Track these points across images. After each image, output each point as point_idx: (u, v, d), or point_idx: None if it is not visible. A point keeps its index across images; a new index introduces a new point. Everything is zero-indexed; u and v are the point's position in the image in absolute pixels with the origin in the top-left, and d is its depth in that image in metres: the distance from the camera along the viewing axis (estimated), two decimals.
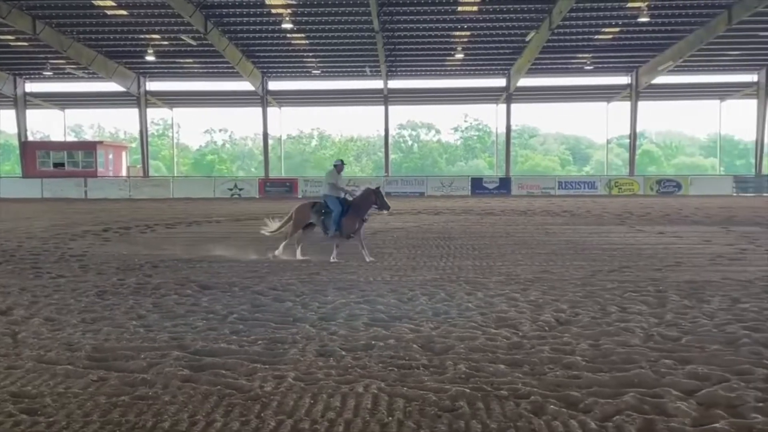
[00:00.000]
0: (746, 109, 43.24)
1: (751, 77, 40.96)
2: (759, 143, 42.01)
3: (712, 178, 45.83)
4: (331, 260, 11.45)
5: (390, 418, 4.29)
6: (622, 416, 4.26)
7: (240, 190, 38.31)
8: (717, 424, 4.11)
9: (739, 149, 68.29)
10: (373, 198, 12.08)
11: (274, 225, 12.66)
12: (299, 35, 33.34)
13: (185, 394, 4.79)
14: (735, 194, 38.37)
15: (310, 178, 43.49)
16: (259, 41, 34.88)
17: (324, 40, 34.06)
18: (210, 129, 79.00)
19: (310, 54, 37.21)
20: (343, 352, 5.76)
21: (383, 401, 4.57)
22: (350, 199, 12.22)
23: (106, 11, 30.23)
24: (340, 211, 11.84)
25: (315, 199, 13.52)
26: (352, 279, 9.56)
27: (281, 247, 11.99)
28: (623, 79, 41.43)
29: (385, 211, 12.84)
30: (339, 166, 12.67)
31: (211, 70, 39.90)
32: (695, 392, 4.71)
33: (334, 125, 78.70)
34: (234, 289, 8.74)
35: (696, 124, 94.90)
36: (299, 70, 40.96)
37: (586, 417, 4.26)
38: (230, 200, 35.11)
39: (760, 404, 4.42)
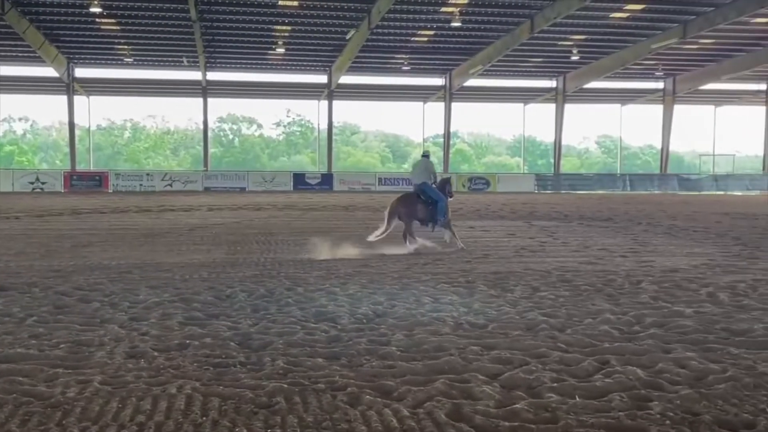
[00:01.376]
0: (546, 112, 46.81)
1: (551, 83, 44.52)
2: (557, 144, 45.84)
3: (516, 176, 49.23)
4: (412, 249, 12.07)
5: (204, 418, 4.17)
6: (432, 402, 4.44)
7: (43, 183, 35.59)
8: (518, 405, 4.40)
9: (541, 150, 73.86)
10: (448, 187, 12.98)
11: (380, 230, 12.65)
12: (110, 20, 31.43)
13: None
14: (536, 191, 41.47)
15: (123, 171, 41.34)
16: (65, 25, 32.43)
17: (138, 27, 32.34)
18: (8, 117, 72.21)
19: (122, 41, 35.24)
20: (156, 353, 5.52)
21: (197, 401, 4.43)
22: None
23: None
24: (444, 199, 12.52)
25: (399, 193, 13.90)
26: (167, 277, 9.18)
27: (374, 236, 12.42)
28: (438, 81, 43.37)
29: (450, 199, 13.32)
30: (429, 156, 13.65)
31: (9, 54, 36.54)
32: (499, 376, 5.01)
33: (149, 117, 74.87)
34: (34, 290, 8.07)
35: (503, 125, 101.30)
36: (110, 57, 38.69)
37: (399, 405, 4.40)
38: (31, 195, 32.45)
39: (555, 384, 4.79)
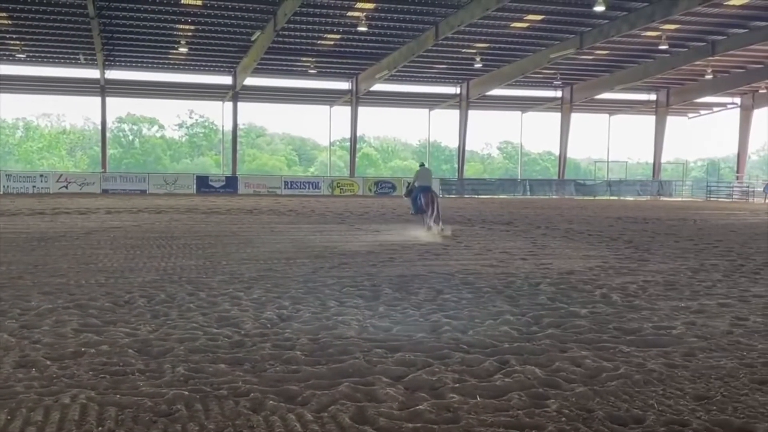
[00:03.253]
0: (451, 118, 47.83)
1: (455, 89, 45.47)
2: (461, 150, 46.83)
3: None
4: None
5: (100, 429, 4.01)
6: (336, 405, 4.44)
7: None
8: (421, 406, 4.46)
9: (446, 155, 75.33)
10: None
11: (429, 217, 16.61)
12: (1, 14, 29.82)
13: None
14: (441, 195, 42.16)
15: (14, 172, 39.28)
16: None
17: (31, 22, 30.83)
18: None
19: (14, 36, 33.49)
20: (48, 362, 5.26)
21: (93, 411, 4.26)
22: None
23: None
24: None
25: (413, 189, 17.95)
26: (61, 282, 8.78)
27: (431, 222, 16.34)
28: (344, 85, 43.47)
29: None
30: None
31: None
32: (402, 378, 5.06)
33: (44, 115, 71.50)
34: None
35: (409, 130, 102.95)
36: (1, 52, 36.67)
37: (303, 409, 4.38)
38: None
39: (457, 385, 4.89)
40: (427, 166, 19.17)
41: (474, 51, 36.59)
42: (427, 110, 48.43)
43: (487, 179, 53.30)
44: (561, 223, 20.34)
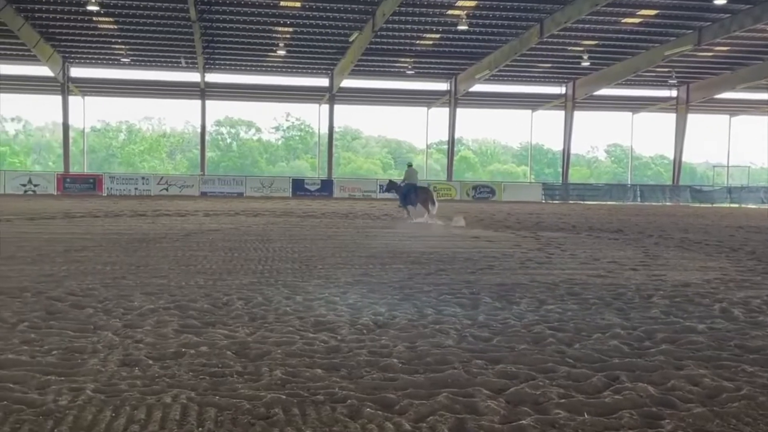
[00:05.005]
0: (555, 119, 46.95)
1: (560, 89, 44.63)
2: (565, 153, 45.88)
3: (523, 185, 49.33)
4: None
5: (200, 429, 4.17)
6: (435, 416, 4.44)
7: (35, 186, 35.67)
8: (524, 421, 4.40)
9: (548, 158, 73.94)
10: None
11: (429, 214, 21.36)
12: (107, 19, 31.59)
13: None
14: (543, 201, 41.51)
15: (117, 174, 41.38)
16: (61, 23, 32.61)
17: (135, 26, 32.51)
18: (0, 117, 72.56)
19: (119, 41, 35.41)
20: (150, 361, 5.52)
21: (193, 411, 4.43)
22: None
23: None
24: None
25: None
26: (162, 283, 9.19)
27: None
28: (443, 86, 43.47)
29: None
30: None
31: (3, 52, 36.68)
32: (504, 390, 5.00)
33: (145, 119, 75.10)
34: (25, 295, 8.09)
35: (510, 132, 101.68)
36: (106, 57, 38.85)
37: (401, 419, 4.40)
38: (23, 197, 32.50)
39: (563, 400, 4.79)
40: (414, 167, 23.92)
41: (581, 49, 35.82)
42: (529, 111, 47.73)
43: (594, 184, 51.95)
44: (675, 231, 19.58)
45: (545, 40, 32.25)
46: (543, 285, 9.66)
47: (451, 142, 44.77)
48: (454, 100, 42.95)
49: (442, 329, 6.83)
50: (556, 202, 41.32)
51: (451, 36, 33.96)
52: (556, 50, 36.13)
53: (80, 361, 5.50)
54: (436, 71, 41.47)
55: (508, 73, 40.94)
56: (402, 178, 23.65)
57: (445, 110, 44.26)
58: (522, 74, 42.05)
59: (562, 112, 44.86)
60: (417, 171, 23.81)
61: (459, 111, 44.17)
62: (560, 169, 48.88)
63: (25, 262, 10.94)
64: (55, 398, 4.63)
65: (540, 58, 38.02)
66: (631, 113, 48.75)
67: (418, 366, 5.58)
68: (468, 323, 7.16)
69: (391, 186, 24.65)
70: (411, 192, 22.35)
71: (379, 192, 39.83)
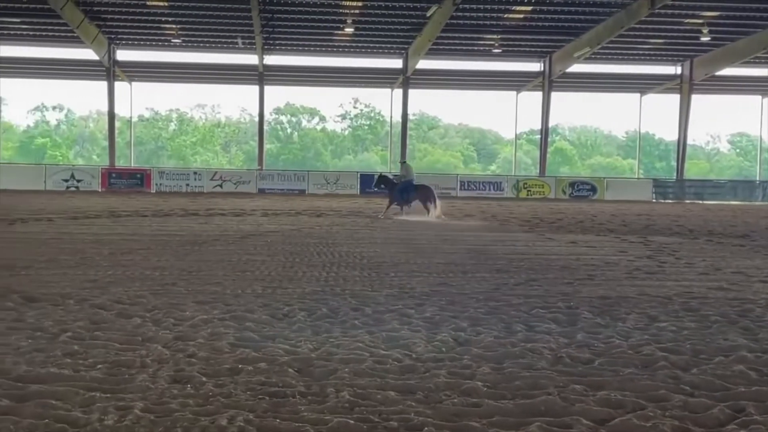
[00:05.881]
0: (668, 104, 45.86)
1: (674, 69, 43.53)
2: (681, 144, 44.67)
3: (630, 181, 48.40)
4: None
5: None
6: None
7: (78, 181, 37.02)
8: None
9: (660, 150, 72.39)
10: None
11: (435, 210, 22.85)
12: None
13: (3, 429, 4.56)
14: (654, 200, 40.62)
15: (167, 169, 42.52)
16: (107, 0, 33.72)
17: (187, 3, 33.31)
18: (41, 105, 75.70)
19: (170, 20, 36.36)
20: (204, 378, 5.66)
21: None
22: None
23: None
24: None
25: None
26: (216, 291, 9.41)
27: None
28: (535, 66, 43.00)
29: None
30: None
31: (44, 33, 38.22)
32: (607, 421, 4.92)
33: (198, 107, 76.99)
34: (68, 302, 8.40)
35: (614, 120, 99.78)
36: (156, 38, 39.94)
37: None
38: (66, 194, 33.80)
39: None
40: (408, 163, 26.89)
41: (700, 22, 34.84)
42: (637, 95, 46.74)
43: (715, 180, 50.61)
44: None
45: (657, 11, 31.52)
46: (654, 299, 9.47)
47: (545, 131, 44.25)
48: (548, 82, 42.42)
49: (534, 348, 6.77)
50: (670, 201, 40.36)
51: (545, 8, 33.58)
52: (669, 23, 35.26)
53: (127, 377, 5.68)
54: (527, 49, 41.04)
55: (613, 51, 40.19)
56: (400, 174, 25.15)
57: (538, 94, 43.76)
58: (629, 52, 41.20)
59: (677, 96, 43.70)
60: (412, 167, 25.77)
61: (554, 95, 43.58)
62: (674, 163, 47.72)
63: (68, 266, 11.36)
64: (100, 417, 4.79)
65: (650, 33, 37.16)
66: (760, 97, 47.17)
67: (506, 390, 5.54)
68: (564, 342, 7.08)
69: (383, 181, 25.34)
70: (410, 190, 23.74)
71: (460, 190, 39.73)
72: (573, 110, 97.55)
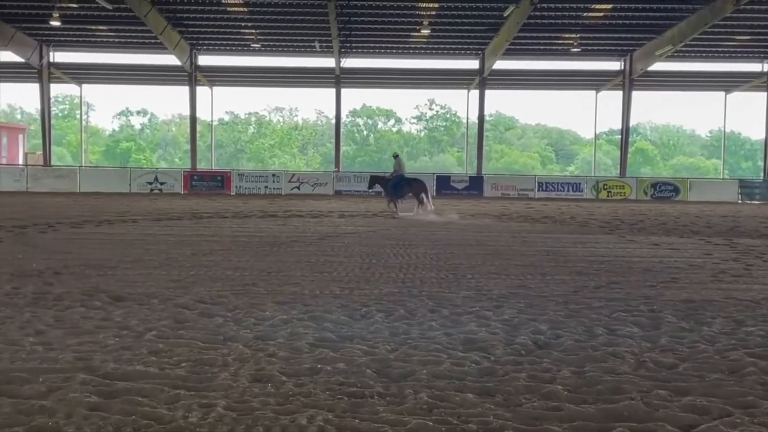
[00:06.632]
0: (755, 102, 44.44)
1: (761, 66, 42.12)
2: None
3: (714, 181, 47.01)
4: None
5: None
6: None
7: (161, 184, 37.93)
8: None
9: (746, 149, 70.24)
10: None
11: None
12: (237, 2, 33.13)
13: (93, 425, 4.72)
14: (740, 201, 39.39)
15: (246, 171, 43.25)
16: (188, 6, 34.52)
17: (267, 8, 33.85)
18: (126, 110, 78.13)
19: (250, 24, 36.99)
20: (284, 378, 5.75)
21: None
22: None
23: None
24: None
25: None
26: (295, 291, 9.54)
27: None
28: (615, 65, 42.18)
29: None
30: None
31: (129, 40, 39.31)
32: (693, 427, 4.83)
33: (276, 110, 78.18)
34: (153, 302, 8.64)
35: (698, 119, 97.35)
36: (236, 43, 40.68)
37: None
38: (149, 196, 34.71)
39: None
40: (401, 157, 25.58)
41: None
42: (722, 93, 45.40)
43: None
44: None
45: (743, 7, 30.56)
46: (740, 302, 9.24)
47: (625, 131, 43.36)
48: (628, 81, 41.57)
49: (616, 352, 6.67)
50: (757, 202, 39.05)
51: (626, 6, 32.94)
52: (756, 19, 34.15)
53: (210, 375, 5.81)
54: (606, 48, 40.31)
55: (696, 49, 39.12)
56: (392, 170, 24.90)
57: (618, 93, 42.93)
58: (713, 49, 40.05)
59: (765, 94, 42.32)
60: (403, 161, 25.71)
61: (634, 94, 42.66)
62: (761, 163, 46.16)
63: (152, 266, 11.68)
64: (184, 414, 4.92)
65: (735, 30, 36.06)
66: None
67: (588, 395, 5.48)
68: (647, 346, 6.96)
69: (375, 181, 25.64)
70: (402, 184, 23.80)
71: (538, 191, 39.31)
72: (654, 109, 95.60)
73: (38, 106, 42.82)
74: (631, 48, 39.88)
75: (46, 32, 37.78)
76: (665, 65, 41.48)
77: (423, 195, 23.52)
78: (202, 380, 5.69)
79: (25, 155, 43.20)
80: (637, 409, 5.14)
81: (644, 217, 24.41)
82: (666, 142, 76.77)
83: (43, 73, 40.32)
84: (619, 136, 44.87)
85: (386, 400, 5.29)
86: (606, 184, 40.32)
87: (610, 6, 33.21)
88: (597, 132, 52.41)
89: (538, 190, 39.62)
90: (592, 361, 6.38)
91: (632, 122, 44.94)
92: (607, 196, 39.16)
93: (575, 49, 39.83)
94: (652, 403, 5.28)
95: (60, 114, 72.44)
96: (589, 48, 40.10)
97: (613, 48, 40.22)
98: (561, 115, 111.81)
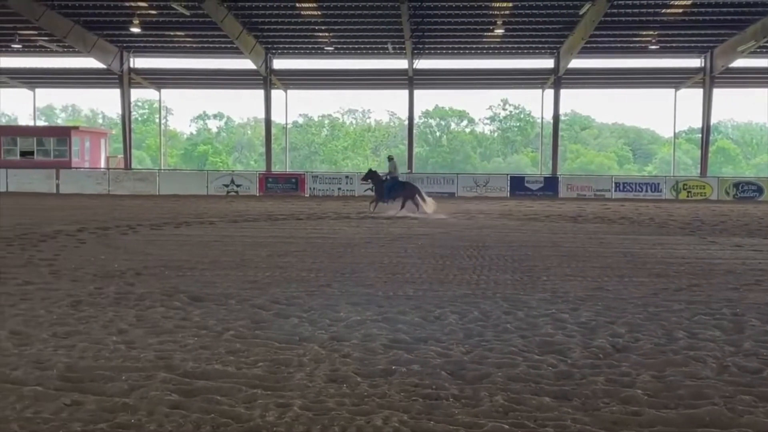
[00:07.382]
0: None
1: None
2: None
3: None
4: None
5: None
6: None
7: (237, 186, 38.54)
8: None
9: None
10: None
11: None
12: (310, 5, 33.45)
13: (173, 422, 4.83)
14: None
15: (320, 173, 43.64)
16: (263, 11, 35.03)
17: (339, 11, 34.12)
18: (203, 114, 79.83)
19: (323, 27, 37.34)
20: (359, 378, 5.79)
21: None
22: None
23: None
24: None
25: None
26: (369, 293, 9.59)
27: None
28: (695, 62, 41.17)
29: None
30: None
31: (206, 46, 40.15)
32: None
33: (349, 112, 78.73)
34: (230, 302, 8.80)
35: None
36: (309, 46, 41.10)
37: None
38: (226, 198, 35.33)
39: None
40: (395, 160, 26.41)
41: None
42: None
43: None
44: None
45: None
46: None
47: (706, 129, 42.27)
48: (709, 78, 40.52)
49: (698, 357, 6.53)
50: None
51: (706, 2, 32.12)
52: None
53: (286, 375, 5.89)
54: (686, 45, 39.39)
55: None
56: (386, 172, 25.54)
57: (698, 91, 41.87)
58: None
59: None
60: (397, 163, 26.52)
61: (716, 92, 41.57)
62: None
63: (229, 267, 11.90)
64: (262, 413, 5.00)
65: None
66: None
67: (668, 400, 5.38)
68: (731, 350, 6.79)
69: (371, 176, 25.92)
70: (397, 187, 24.61)
71: (615, 191, 38.65)
72: (737, 107, 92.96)
73: (119, 110, 44.10)
74: (711, 44, 38.87)
75: (127, 39, 38.88)
76: (748, 61, 40.33)
77: (417, 198, 23.88)
78: (279, 380, 5.77)
79: (107, 159, 44.40)
80: (720, 415, 5.02)
81: (726, 217, 23.75)
82: (749, 141, 74.50)
83: (123, 79, 41.48)
84: (700, 135, 43.77)
85: (461, 403, 5.28)
86: (686, 184, 39.34)
87: (689, 2, 32.45)
88: (676, 131, 51.19)
89: (615, 191, 38.90)
90: (673, 365, 6.26)
91: (713, 120, 43.77)
92: (687, 196, 38.21)
93: (653, 47, 39.02)
94: (735, 409, 5.15)
95: (140, 118, 74.38)
96: (668, 45, 39.24)
97: (693, 45, 39.27)
98: (639, 113, 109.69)
